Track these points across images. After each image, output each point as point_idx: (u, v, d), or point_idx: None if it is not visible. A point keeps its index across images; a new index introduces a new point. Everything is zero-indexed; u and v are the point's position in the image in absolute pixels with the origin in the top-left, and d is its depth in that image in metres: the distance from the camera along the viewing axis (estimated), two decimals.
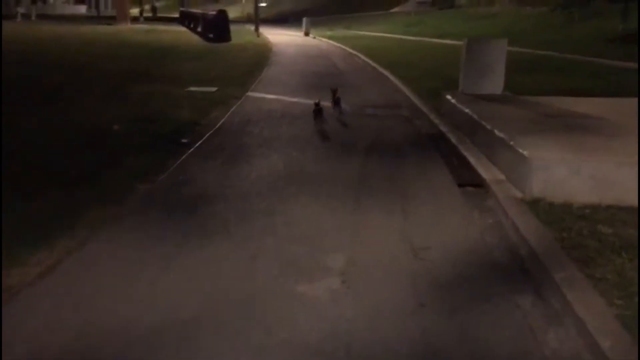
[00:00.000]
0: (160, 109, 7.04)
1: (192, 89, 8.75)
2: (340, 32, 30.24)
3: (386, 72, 11.90)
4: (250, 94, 8.65)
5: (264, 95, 8.51)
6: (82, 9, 60.52)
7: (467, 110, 5.98)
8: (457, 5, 32.67)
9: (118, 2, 32.11)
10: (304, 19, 28.74)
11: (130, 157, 4.84)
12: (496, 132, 4.86)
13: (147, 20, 40.99)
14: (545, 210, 3.83)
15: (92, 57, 12.82)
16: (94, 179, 4.24)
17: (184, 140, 5.52)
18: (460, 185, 4.57)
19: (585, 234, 3.46)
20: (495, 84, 7.18)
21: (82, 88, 8.43)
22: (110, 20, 34.06)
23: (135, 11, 43.26)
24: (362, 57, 15.92)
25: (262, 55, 15.39)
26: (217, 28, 20.44)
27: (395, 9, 39.61)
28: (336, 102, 6.92)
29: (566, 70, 11.93)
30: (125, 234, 3.32)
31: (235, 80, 9.88)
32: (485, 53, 7.09)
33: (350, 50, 18.19)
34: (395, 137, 6.08)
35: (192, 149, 5.25)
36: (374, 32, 29.68)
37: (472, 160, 5.11)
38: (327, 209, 3.78)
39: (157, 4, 55.46)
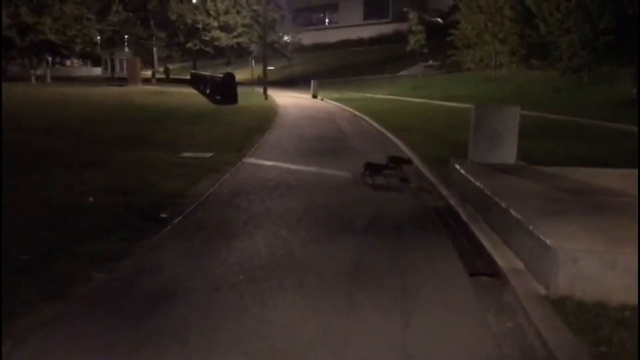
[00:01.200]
0: (146, 178, 6.54)
1: (186, 154, 8.31)
2: (348, 94, 30.36)
3: (391, 136, 11.48)
4: (246, 160, 8.19)
5: (260, 162, 8.04)
6: (97, 71, 62.15)
7: (478, 184, 5.41)
8: (464, 68, 32.85)
9: (130, 64, 32.71)
10: (312, 82, 28.91)
11: (97, 236, 4.28)
12: (512, 212, 4.26)
13: (160, 81, 41.77)
14: (575, 313, 3.17)
15: (90, 121, 12.56)
16: (46, 265, 3.66)
17: (162, 216, 4.97)
18: (472, 274, 3.94)
19: (629, 349, 2.80)
20: (507, 153, 6.65)
21: (70, 155, 8.01)
22: (123, 81, 34.65)
23: (148, 73, 44.17)
24: (368, 119, 15.61)
25: (266, 117, 15.13)
26: (224, 90, 20.43)
27: (403, 72, 40.02)
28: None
29: (578, 136, 11.45)
30: (58, 345, 2.70)
31: (234, 145, 9.46)
32: (496, 120, 6.60)
33: (357, 113, 17.95)
34: (399, 211, 5.49)
35: (168, 227, 4.68)
36: (382, 94, 29.75)
37: (485, 242, 4.49)
38: (312, 310, 3.15)
39: (172, 66, 56.81)
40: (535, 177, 5.77)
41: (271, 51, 43.74)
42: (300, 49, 50.73)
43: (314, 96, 27.90)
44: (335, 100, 24.95)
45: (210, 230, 4.65)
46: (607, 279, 3.32)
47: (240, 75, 48.23)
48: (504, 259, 4.05)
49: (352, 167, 7.85)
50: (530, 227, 3.83)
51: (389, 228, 4.90)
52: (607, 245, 3.42)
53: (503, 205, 4.52)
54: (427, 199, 6.11)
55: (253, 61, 38.51)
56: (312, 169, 7.59)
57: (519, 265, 3.93)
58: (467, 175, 5.95)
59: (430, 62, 38.47)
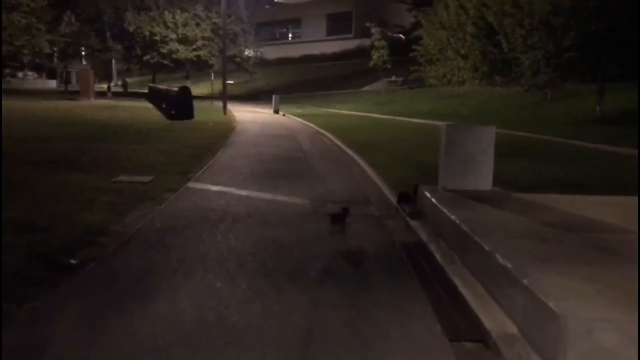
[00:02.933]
0: (65, 208, 5.54)
1: (121, 178, 7.31)
2: (311, 110, 29.67)
3: (354, 155, 10.73)
4: (191, 184, 7.24)
5: (207, 187, 7.11)
6: (53, 84, 59.63)
7: (453, 217, 4.65)
8: (427, 84, 32.69)
9: (82, 76, 31.18)
10: (274, 97, 28.12)
11: None
12: (499, 258, 3.49)
13: (117, 95, 40.13)
14: None
15: (20, 139, 11.35)
16: None
17: (71, 262, 4.00)
18: (453, 340, 3.14)
19: None
20: (482, 178, 5.94)
21: None
22: (76, 95, 33.02)
23: (105, 86, 42.49)
24: (330, 136, 14.87)
25: (222, 134, 14.18)
26: (179, 105, 19.37)
27: (366, 88, 39.72)
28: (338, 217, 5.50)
29: (547, 155, 10.98)
30: None
31: (180, 166, 8.50)
32: (470, 141, 5.90)
33: (319, 129, 17.21)
34: (363, 250, 4.67)
35: (73, 279, 3.72)
36: (345, 110, 29.18)
37: (465, 293, 3.71)
38: None
39: (131, 80, 55.08)
40: (516, 208, 5.06)
41: (233, 65, 42.84)
42: (263, 63, 50.02)
43: (276, 111, 27.09)
44: (298, 115, 24.19)
45: (127, 282, 3.71)
46: (629, 355, 2.57)
47: (200, 89, 47.12)
48: (492, 318, 3.26)
49: (311, 192, 7.02)
50: (525, 282, 3.07)
51: (351, 274, 4.06)
52: (627, 311, 2.67)
53: (486, 247, 3.76)
54: (394, 232, 5.32)
55: (213, 75, 37.42)
56: (265, 195, 6.72)
57: (511, 327, 3.15)
58: (439, 205, 5.19)
59: (393, 78, 38.34)
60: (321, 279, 3.88)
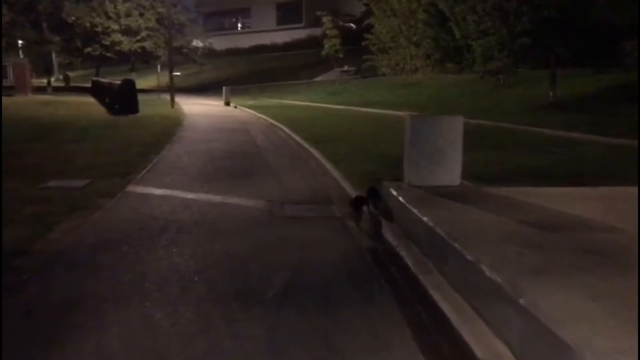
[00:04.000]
0: None
1: (52, 184, 6.51)
2: (264, 101, 28.92)
3: (311, 149, 10.17)
4: (131, 188, 6.51)
5: (150, 190, 6.41)
6: None
7: (425, 219, 4.18)
8: (380, 73, 32.45)
9: (17, 71, 29.25)
10: (224, 88, 27.19)
11: None
12: (486, 270, 3.03)
13: (58, 90, 38.02)
14: None
15: None
16: None
17: None
18: None
19: None
20: (450, 172, 5.50)
21: None
22: (11, 91, 30.97)
23: (44, 81, 40.20)
24: (285, 129, 14.25)
25: (169, 129, 13.34)
26: (122, 99, 18.31)
27: (319, 78, 39.17)
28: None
29: (507, 144, 10.73)
30: None
31: (121, 167, 7.73)
32: (436, 133, 5.43)
33: (272, 122, 16.56)
34: (326, 259, 4.13)
35: None
36: (298, 100, 28.57)
37: (448, 311, 3.23)
38: None
39: (73, 74, 52.50)
40: (491, 205, 4.63)
41: (180, 56, 41.37)
42: (213, 54, 48.62)
43: (227, 103, 26.21)
44: (250, 107, 23.41)
45: (42, 320, 3.04)
46: None
47: (148, 82, 45.38)
48: (484, 345, 2.79)
49: (266, 192, 6.43)
50: (522, 302, 2.60)
51: (314, 291, 3.51)
52: None
53: (468, 257, 3.29)
54: (360, 237, 4.81)
55: (159, 67, 35.94)
56: (215, 198, 6.08)
57: (505, 353, 2.69)
58: (408, 205, 4.72)
59: (346, 68, 37.96)
60: (280, 302, 3.32)
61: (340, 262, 4.08)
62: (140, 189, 6.46)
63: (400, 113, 18.70)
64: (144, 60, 43.36)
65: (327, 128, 13.96)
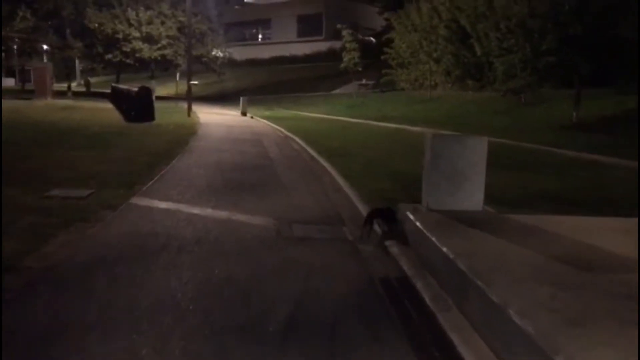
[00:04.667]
0: None
1: (55, 192, 6.27)
2: (280, 112, 28.75)
3: (325, 163, 9.85)
4: (135, 200, 6.25)
5: (153, 203, 6.13)
6: (11, 82, 56.97)
7: (445, 249, 3.82)
8: (399, 87, 32.16)
9: (37, 74, 29.48)
10: (241, 98, 27.08)
11: None
12: (514, 317, 2.67)
13: (78, 95, 38.32)
14: None
15: None
16: None
17: None
18: None
19: None
20: (472, 197, 5.15)
21: None
22: (31, 94, 31.23)
23: (65, 85, 40.60)
24: (299, 141, 13.97)
25: (182, 138, 13.13)
26: (138, 106, 18.19)
27: (337, 91, 38.99)
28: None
29: (530, 165, 10.32)
30: None
31: (128, 177, 7.49)
32: (458, 154, 5.09)
33: (287, 134, 16.31)
34: (334, 289, 3.79)
35: None
36: (315, 112, 28.34)
37: (468, 356, 2.88)
38: None
39: (96, 79, 53.07)
40: (517, 235, 4.27)
41: (200, 65, 41.52)
42: (232, 64, 48.77)
43: (243, 113, 26.08)
44: (266, 118, 23.23)
45: (17, 351, 2.75)
46: None
47: (167, 90, 45.63)
48: None
49: (275, 209, 6.12)
50: None
51: (320, 327, 3.17)
52: None
53: (494, 298, 2.93)
54: (372, 263, 4.46)
55: (178, 75, 36.06)
56: (221, 213, 5.78)
57: None
58: (425, 231, 4.37)
59: (364, 81, 37.72)
60: (282, 338, 2.99)
61: (349, 293, 3.74)
62: (144, 202, 6.19)
63: (418, 129, 18.37)
64: (164, 68, 43.58)
65: (342, 142, 13.65)
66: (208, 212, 5.82)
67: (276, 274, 4.02)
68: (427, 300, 3.69)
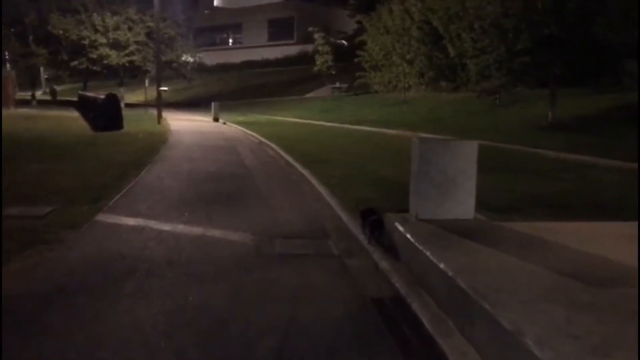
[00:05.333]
0: None
1: (10, 211, 5.74)
2: (254, 117, 28.27)
3: (304, 171, 9.49)
4: (101, 217, 5.77)
5: (121, 220, 5.67)
6: None
7: (442, 266, 3.49)
8: (372, 90, 32.02)
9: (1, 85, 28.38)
10: (213, 104, 26.53)
11: None
12: (533, 347, 2.35)
13: (43, 104, 37.12)
14: None
15: None
16: None
17: None
18: None
19: None
20: (462, 205, 4.85)
21: None
22: None
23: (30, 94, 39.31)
24: (275, 147, 13.57)
25: (152, 147, 12.59)
26: (106, 114, 17.54)
27: (311, 94, 38.68)
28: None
29: (511, 166, 10.11)
30: None
31: (93, 191, 6.99)
32: (447, 160, 4.79)
33: (262, 139, 15.88)
34: (324, 315, 3.42)
35: None
36: (289, 117, 27.96)
37: None
38: None
39: (61, 87, 51.64)
40: (516, 247, 3.97)
41: (170, 71, 40.73)
42: (203, 69, 48.05)
43: (216, 119, 25.53)
44: (239, 124, 22.75)
45: None
46: None
47: (136, 96, 44.61)
48: None
49: (254, 222, 5.73)
50: None
51: None
52: None
53: (506, 324, 2.60)
54: (362, 282, 4.11)
55: (147, 81, 35.23)
56: (195, 230, 5.36)
57: None
58: (418, 245, 4.03)
59: (338, 84, 37.54)
60: None
61: (341, 319, 3.37)
62: (111, 219, 5.72)
63: (395, 132, 18.16)
64: (133, 74, 42.61)
65: (319, 147, 13.30)
66: (180, 228, 5.39)
67: (258, 300, 3.63)
68: (426, 323, 3.36)
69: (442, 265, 3.49)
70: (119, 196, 6.89)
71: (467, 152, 4.82)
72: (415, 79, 28.41)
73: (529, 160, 10.99)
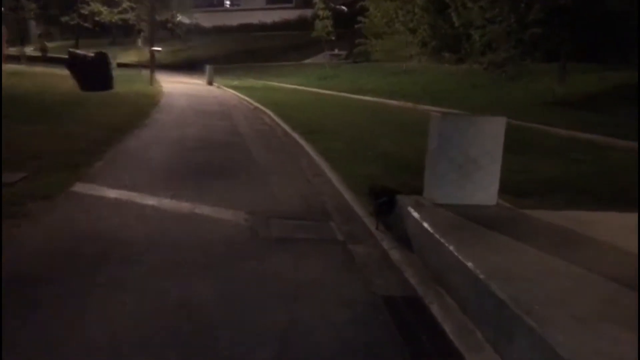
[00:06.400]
0: None
1: None
2: (249, 82, 27.42)
3: (302, 141, 8.89)
4: (79, 187, 5.19)
5: (100, 192, 5.09)
6: None
7: (470, 265, 2.97)
8: (373, 58, 31.11)
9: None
10: (207, 67, 25.63)
11: None
12: None
13: (33, 60, 35.85)
14: None
15: None
16: None
17: None
18: None
19: None
20: (486, 189, 4.31)
21: None
22: None
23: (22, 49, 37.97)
24: (272, 115, 12.92)
25: (142, 110, 11.91)
26: (95, 73, 16.75)
27: (308, 60, 37.70)
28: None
29: (525, 145, 9.54)
30: None
31: (74, 156, 6.39)
32: (471, 141, 4.22)
33: (257, 105, 15.21)
34: (327, 317, 2.91)
35: None
36: (285, 83, 27.13)
37: None
38: None
39: (51, 44, 50.08)
40: (549, 242, 3.44)
41: (165, 32, 39.49)
42: (199, 31, 46.71)
43: (210, 83, 24.71)
44: (234, 88, 21.97)
45: None
46: None
47: (130, 57, 43.34)
48: None
49: (248, 199, 5.18)
50: None
51: None
52: None
53: (564, 354, 2.09)
54: (371, 275, 3.58)
55: (140, 41, 34.06)
56: (183, 205, 4.80)
57: None
58: (439, 237, 3.50)
59: (337, 51, 36.56)
60: None
61: (349, 324, 2.85)
62: (89, 189, 5.13)
63: (396, 102, 17.50)
64: (126, 33, 41.34)
65: (318, 116, 12.66)
66: (166, 203, 4.82)
67: (252, 297, 3.10)
68: (449, 332, 2.85)
69: (470, 265, 2.97)
70: (101, 163, 6.30)
71: (493, 131, 4.26)
72: (417, 49, 27.53)
73: (541, 138, 10.42)
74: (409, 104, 16.93)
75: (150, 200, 4.86)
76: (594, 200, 5.43)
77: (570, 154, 8.33)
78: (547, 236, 3.59)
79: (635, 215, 4.42)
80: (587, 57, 16.83)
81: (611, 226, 3.91)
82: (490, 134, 4.25)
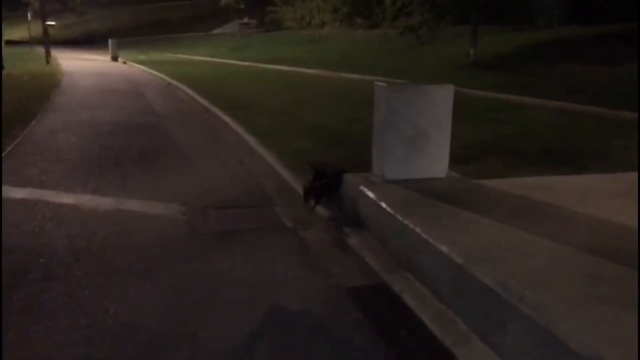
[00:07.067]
0: None
1: None
2: (157, 56, 25.91)
3: (226, 118, 8.38)
4: None
5: (5, 192, 4.39)
6: None
7: (444, 249, 2.74)
8: (285, 27, 30.46)
9: None
10: (110, 41, 23.86)
11: None
12: None
13: None
14: None
15: None
16: None
17: None
18: None
19: None
20: (437, 162, 4.13)
21: None
22: None
23: None
24: (187, 90, 12.19)
25: (41, 93, 10.75)
26: None
27: (217, 30, 36.31)
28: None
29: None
30: None
31: None
32: (421, 112, 3.99)
33: (171, 81, 14.32)
34: (292, 321, 2.59)
35: None
36: (196, 55, 25.93)
37: None
38: None
39: None
40: (513, 213, 3.32)
41: (57, 4, 36.26)
42: (96, 2, 43.47)
43: (114, 58, 23.05)
44: (142, 63, 20.63)
45: None
46: None
47: (18, 32, 39.60)
48: None
49: (178, 188, 4.69)
50: None
51: None
52: None
53: (578, 349, 1.91)
54: (330, 265, 3.29)
55: (30, 15, 31.05)
56: (106, 202, 4.24)
57: None
58: (402, 218, 3.26)
59: (247, 20, 35.48)
60: None
61: (315, 327, 2.55)
62: None
63: (314, 71, 17.18)
64: (13, 7, 37.58)
65: (238, 89, 12.09)
66: (86, 200, 4.24)
67: (202, 307, 2.70)
68: (428, 324, 2.63)
69: (444, 249, 2.75)
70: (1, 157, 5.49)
71: (443, 100, 4.06)
72: (329, 15, 27.24)
73: (461, 101, 10.50)
74: (327, 72, 16.67)
75: (67, 199, 4.25)
76: (525, 161, 5.49)
77: (491, 116, 8.47)
78: (508, 208, 3.45)
79: (581, 178, 4.46)
80: (496, 19, 17.33)
81: (563, 191, 3.85)
82: (440, 104, 4.05)
